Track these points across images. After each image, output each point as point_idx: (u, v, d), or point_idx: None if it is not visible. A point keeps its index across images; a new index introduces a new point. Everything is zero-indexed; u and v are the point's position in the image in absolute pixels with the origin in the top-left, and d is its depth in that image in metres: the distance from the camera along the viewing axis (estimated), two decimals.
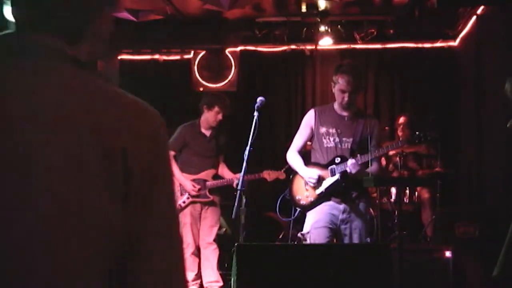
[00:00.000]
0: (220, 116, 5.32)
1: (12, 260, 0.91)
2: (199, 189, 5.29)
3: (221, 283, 5.34)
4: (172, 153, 5.38)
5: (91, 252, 0.95)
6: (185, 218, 5.32)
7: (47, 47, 1.01)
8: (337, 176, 4.00)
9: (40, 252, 0.92)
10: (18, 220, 0.92)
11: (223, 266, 5.55)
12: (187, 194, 5.32)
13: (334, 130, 4.06)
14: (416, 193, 6.12)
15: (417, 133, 4.06)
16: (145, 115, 1.04)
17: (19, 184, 0.93)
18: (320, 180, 4.04)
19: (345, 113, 4.09)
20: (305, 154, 4.29)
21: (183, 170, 5.35)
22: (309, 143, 4.41)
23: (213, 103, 5.32)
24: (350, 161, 3.92)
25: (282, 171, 5.33)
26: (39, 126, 0.94)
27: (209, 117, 5.35)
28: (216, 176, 5.42)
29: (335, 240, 4.08)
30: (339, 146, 4.04)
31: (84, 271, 0.94)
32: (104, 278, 0.96)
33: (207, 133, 5.41)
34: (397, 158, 5.80)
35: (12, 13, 1.06)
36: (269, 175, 5.35)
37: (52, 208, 0.93)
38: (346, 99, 4.00)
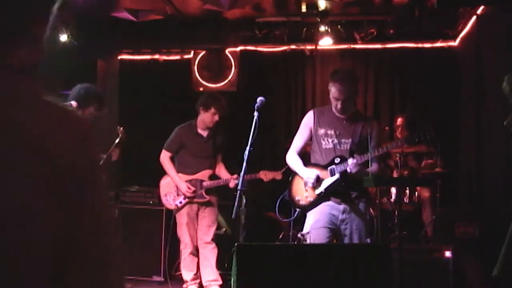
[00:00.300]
0: (216, 117, 5.31)
1: None
2: (194, 191, 5.30)
3: (220, 282, 5.35)
4: (168, 154, 5.39)
5: (33, 255, 0.96)
6: (182, 219, 5.32)
7: None
8: (337, 176, 4.00)
9: None
10: None
11: (223, 266, 5.55)
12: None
13: (332, 132, 4.06)
14: (416, 193, 6.12)
15: (416, 133, 4.06)
16: (73, 119, 1.05)
17: None
18: (319, 180, 4.05)
19: (343, 115, 4.10)
20: (305, 156, 4.29)
21: (180, 171, 5.35)
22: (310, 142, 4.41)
23: (209, 104, 5.31)
24: (351, 161, 3.92)
25: (280, 172, 5.32)
26: None
27: (205, 118, 5.34)
28: (213, 176, 5.42)
29: (335, 240, 4.08)
30: (338, 147, 4.04)
31: (26, 274, 0.95)
32: (46, 280, 0.97)
33: (204, 133, 5.41)
34: (397, 158, 5.80)
35: None
36: (265, 175, 5.34)
37: None
38: (339, 106, 4.03)
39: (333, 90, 4.02)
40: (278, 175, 5.37)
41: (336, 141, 4.05)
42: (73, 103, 4.39)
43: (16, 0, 1.04)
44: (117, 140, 5.46)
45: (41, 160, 0.97)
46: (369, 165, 3.92)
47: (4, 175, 0.94)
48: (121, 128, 5.69)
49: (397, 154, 5.82)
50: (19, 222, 0.95)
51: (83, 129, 1.05)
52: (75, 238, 0.99)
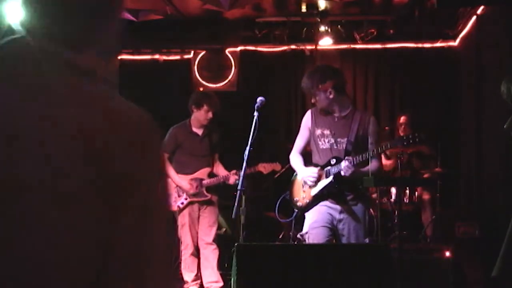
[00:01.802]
0: (210, 114, 5.28)
1: None
2: (197, 186, 5.28)
3: (221, 283, 5.33)
4: (165, 155, 5.37)
5: (75, 263, 0.92)
6: (183, 219, 5.31)
7: (48, 53, 1.00)
8: (330, 178, 3.98)
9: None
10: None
11: (223, 266, 5.55)
12: (185, 195, 5.31)
13: (328, 132, 4.05)
14: (416, 193, 6.12)
15: (406, 135, 4.05)
16: (136, 122, 1.00)
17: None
18: (316, 181, 4.04)
19: (339, 114, 4.07)
20: (308, 156, 4.29)
21: (178, 171, 5.33)
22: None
23: (201, 102, 5.29)
24: (344, 163, 3.88)
25: (279, 164, 5.33)
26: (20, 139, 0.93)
27: (199, 116, 5.32)
28: (211, 175, 5.41)
29: (334, 240, 4.07)
30: (335, 147, 4.03)
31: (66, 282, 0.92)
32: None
33: (199, 132, 5.38)
34: (398, 159, 5.79)
35: (22, 19, 1.05)
36: (264, 168, 5.33)
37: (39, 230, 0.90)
38: (312, 101, 4.13)
39: None
40: (277, 166, 5.37)
41: (332, 141, 4.04)
42: None
43: (82, 5, 1.04)
44: None
45: (94, 165, 0.92)
46: (369, 162, 3.90)
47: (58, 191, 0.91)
48: None
49: (400, 155, 5.80)
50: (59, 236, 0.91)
51: (145, 133, 0.99)
52: (116, 244, 0.94)
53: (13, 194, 0.91)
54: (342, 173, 3.88)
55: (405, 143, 3.99)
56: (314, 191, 4.05)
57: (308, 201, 4.08)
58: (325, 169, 4.02)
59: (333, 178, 3.96)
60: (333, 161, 3.99)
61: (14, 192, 0.91)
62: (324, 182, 4.01)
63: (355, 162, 3.87)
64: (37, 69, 0.98)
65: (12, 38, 1.02)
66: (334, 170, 3.96)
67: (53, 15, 1.02)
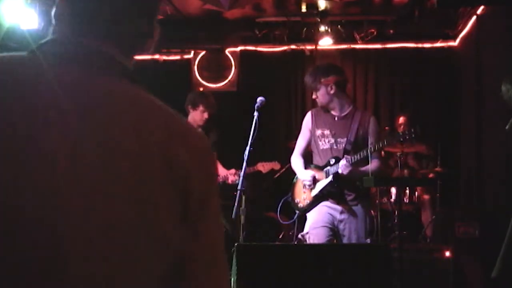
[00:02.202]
0: (206, 115, 5.28)
1: None
2: None
3: None
4: None
5: (148, 272, 0.92)
6: None
7: (100, 55, 0.98)
8: (329, 178, 3.99)
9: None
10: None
11: None
12: None
13: (328, 132, 4.06)
14: (416, 193, 6.12)
15: (401, 132, 4.03)
16: (199, 135, 1.02)
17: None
18: (315, 182, 4.04)
19: (338, 113, 4.08)
20: (310, 157, 4.29)
21: None
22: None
23: (197, 102, 5.30)
24: (342, 162, 3.89)
25: (278, 162, 5.33)
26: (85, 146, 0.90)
27: (195, 117, 5.32)
28: None
29: (335, 240, 4.08)
30: (335, 147, 4.03)
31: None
32: None
33: None
34: (397, 158, 5.79)
35: (61, 18, 1.02)
36: (263, 167, 5.34)
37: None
38: (313, 97, 4.17)
39: None
40: (276, 165, 5.37)
41: (332, 141, 4.05)
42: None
43: (139, 8, 1.03)
44: None
45: (172, 180, 0.92)
46: (369, 162, 3.90)
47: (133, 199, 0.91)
48: None
49: (397, 154, 5.80)
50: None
51: (207, 145, 1.01)
52: (189, 259, 0.95)
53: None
54: (340, 171, 3.89)
55: (401, 139, 3.99)
56: (314, 191, 4.05)
57: (308, 201, 4.08)
58: (325, 169, 4.03)
59: (332, 177, 3.96)
60: (332, 161, 4.00)
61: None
62: (323, 182, 4.02)
63: (352, 161, 3.88)
64: (95, 70, 0.97)
65: (52, 39, 1.00)
66: (333, 169, 3.96)
67: (108, 16, 1.01)
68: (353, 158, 3.88)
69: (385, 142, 4.07)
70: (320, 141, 4.08)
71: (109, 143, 0.91)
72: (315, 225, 4.00)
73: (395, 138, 4.22)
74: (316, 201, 4.05)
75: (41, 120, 0.89)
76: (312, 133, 4.13)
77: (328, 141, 4.05)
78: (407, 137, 3.88)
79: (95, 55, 0.98)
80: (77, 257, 0.87)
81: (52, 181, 0.87)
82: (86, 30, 1.00)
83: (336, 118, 4.07)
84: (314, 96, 4.14)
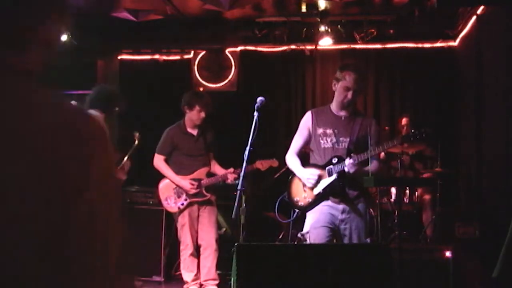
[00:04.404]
0: (202, 114, 5.29)
1: None
2: (198, 186, 5.28)
3: (217, 281, 5.36)
4: (162, 157, 5.37)
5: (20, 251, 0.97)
6: (183, 219, 5.31)
7: None
8: (334, 176, 3.99)
9: None
10: None
11: (223, 266, 5.55)
12: (184, 195, 5.31)
13: (331, 131, 4.06)
14: (417, 193, 6.12)
15: (412, 130, 4.05)
16: (71, 118, 1.03)
17: None
18: (318, 180, 4.04)
19: (342, 113, 4.09)
20: (304, 157, 4.29)
21: (176, 172, 5.33)
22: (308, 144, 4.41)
23: (193, 102, 5.31)
24: (348, 161, 3.91)
25: (276, 160, 5.34)
26: None
27: (192, 117, 5.33)
28: (209, 174, 5.42)
29: (335, 240, 4.07)
30: (336, 146, 4.04)
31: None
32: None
33: (194, 132, 5.40)
34: (401, 159, 5.79)
35: None
36: (262, 164, 5.34)
37: None
38: (349, 96, 4.00)
39: (347, 79, 3.99)
40: (274, 163, 5.37)
41: (334, 140, 4.05)
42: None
43: (21, 4, 1.03)
44: (133, 146, 5.48)
45: (31, 159, 0.97)
46: (369, 163, 3.91)
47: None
48: (138, 133, 5.70)
49: (400, 155, 5.81)
50: (6, 221, 0.96)
51: (84, 129, 1.03)
52: (67, 240, 0.99)
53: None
54: (346, 169, 3.90)
55: (412, 139, 4.01)
56: (317, 189, 4.05)
57: (310, 200, 4.07)
58: (327, 168, 4.03)
59: (337, 175, 3.97)
60: (334, 160, 4.00)
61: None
62: (327, 180, 4.02)
63: (359, 160, 3.90)
64: None
65: None
66: (337, 168, 3.97)
67: None
68: (358, 157, 3.91)
69: (395, 142, 4.10)
70: (322, 140, 4.07)
71: None
72: (316, 225, 4.00)
73: (406, 138, 4.23)
74: (318, 199, 4.05)
75: None
76: (313, 132, 4.13)
77: (330, 140, 4.06)
78: (418, 137, 3.91)
79: None
80: None
81: None
82: None
83: (339, 118, 4.08)
84: (349, 95, 4.06)
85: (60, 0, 1.09)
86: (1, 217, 0.96)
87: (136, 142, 5.67)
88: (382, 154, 5.91)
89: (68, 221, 0.99)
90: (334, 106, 4.13)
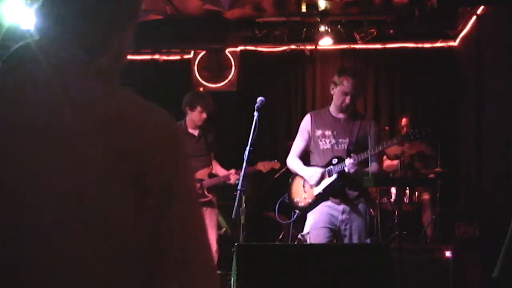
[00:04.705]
0: (204, 115, 5.28)
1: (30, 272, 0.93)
2: (200, 186, 5.27)
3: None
4: None
5: (120, 264, 0.96)
6: None
7: (65, 58, 1.02)
8: (334, 176, 3.99)
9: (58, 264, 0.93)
10: (27, 231, 0.93)
11: (223, 266, 5.55)
12: None
13: (330, 132, 4.07)
14: (416, 193, 6.12)
15: (412, 130, 4.05)
16: (158, 119, 1.05)
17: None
18: (320, 178, 4.05)
19: (341, 115, 4.10)
20: (305, 159, 4.29)
21: None
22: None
23: (194, 103, 5.29)
24: (348, 161, 3.91)
25: (278, 162, 5.34)
26: (40, 136, 0.96)
27: (193, 117, 5.32)
28: (211, 175, 5.41)
29: (335, 241, 4.08)
30: (336, 147, 4.04)
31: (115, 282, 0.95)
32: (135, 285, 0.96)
33: (195, 132, 5.39)
34: (401, 159, 5.78)
35: (35, 25, 1.06)
36: (263, 166, 5.34)
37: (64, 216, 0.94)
38: (347, 101, 4.00)
39: (345, 84, 4.00)
40: (275, 165, 5.37)
41: (333, 141, 4.06)
42: None
43: (100, 12, 1.06)
44: None
45: (121, 164, 0.96)
46: (369, 164, 3.91)
47: (84, 178, 0.94)
48: None
49: (399, 155, 5.80)
50: (103, 233, 0.94)
51: (170, 129, 1.04)
52: (161, 248, 0.98)
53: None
54: (346, 169, 3.90)
55: (411, 138, 4.02)
56: (317, 190, 4.05)
57: (310, 200, 4.08)
58: (327, 168, 4.03)
59: (337, 176, 3.97)
60: (334, 161, 4.00)
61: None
62: (327, 180, 4.02)
63: (358, 159, 3.90)
64: (56, 71, 1.00)
65: (24, 44, 1.03)
66: (337, 168, 3.98)
67: (70, 22, 1.04)
68: (358, 156, 3.91)
69: (394, 141, 4.10)
70: (321, 141, 4.08)
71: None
72: (316, 226, 4.00)
73: (405, 137, 4.24)
74: (318, 200, 4.05)
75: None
76: (312, 134, 4.13)
77: (329, 141, 4.06)
78: (417, 136, 3.92)
79: (60, 59, 1.02)
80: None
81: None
82: (54, 37, 1.04)
83: (338, 120, 4.09)
84: (347, 100, 4.05)
85: (137, 9, 1.12)
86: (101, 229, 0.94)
87: None
88: (386, 163, 5.92)
89: (159, 233, 0.98)
90: (332, 109, 4.14)
